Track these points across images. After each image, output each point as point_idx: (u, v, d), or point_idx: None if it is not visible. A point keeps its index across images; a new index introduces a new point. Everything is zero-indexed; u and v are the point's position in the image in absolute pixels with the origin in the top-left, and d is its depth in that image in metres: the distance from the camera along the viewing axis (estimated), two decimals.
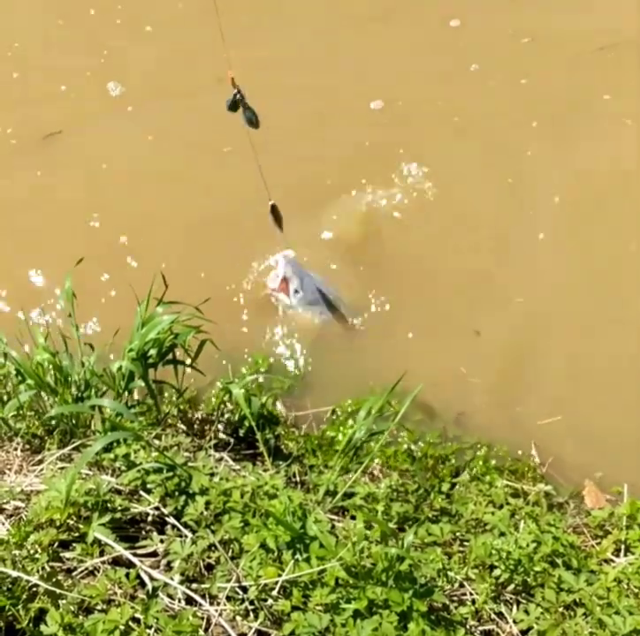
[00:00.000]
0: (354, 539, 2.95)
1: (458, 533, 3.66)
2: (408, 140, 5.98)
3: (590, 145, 5.89)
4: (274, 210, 4.69)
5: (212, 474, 3.49)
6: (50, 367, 3.88)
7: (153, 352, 3.94)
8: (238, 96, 4.22)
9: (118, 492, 3.38)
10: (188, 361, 4.16)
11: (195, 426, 4.41)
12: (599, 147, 5.88)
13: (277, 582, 2.91)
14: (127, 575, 2.84)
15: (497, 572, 3.32)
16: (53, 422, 3.86)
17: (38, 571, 2.77)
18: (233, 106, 4.27)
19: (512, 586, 3.33)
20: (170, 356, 4.05)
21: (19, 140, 6.16)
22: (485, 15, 6.84)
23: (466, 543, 3.58)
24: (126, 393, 4.02)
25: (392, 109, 6.24)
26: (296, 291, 5.12)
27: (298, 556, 3.01)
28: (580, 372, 4.90)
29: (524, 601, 3.30)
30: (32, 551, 2.82)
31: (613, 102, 6.23)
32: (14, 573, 2.70)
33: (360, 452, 3.87)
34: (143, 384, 4.00)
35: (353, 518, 3.64)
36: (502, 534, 3.51)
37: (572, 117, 6.12)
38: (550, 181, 5.77)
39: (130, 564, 3.00)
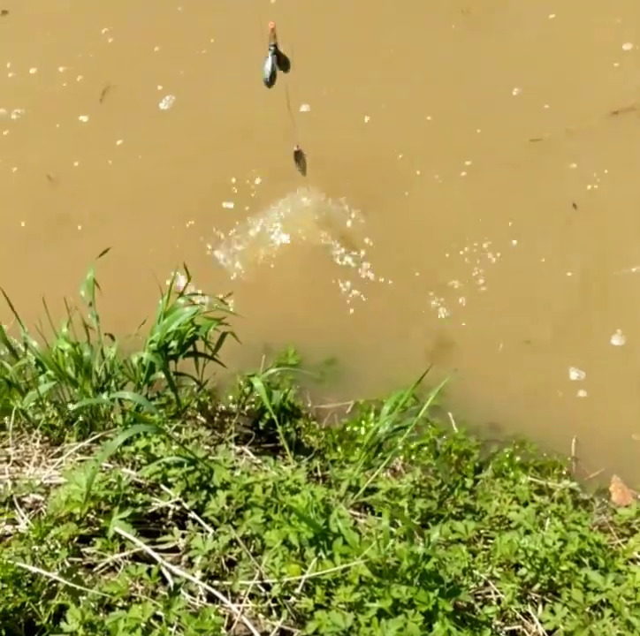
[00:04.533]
0: (380, 537, 2.90)
1: (482, 531, 3.60)
2: None
3: None
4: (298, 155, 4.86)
5: (233, 468, 3.45)
6: (71, 357, 3.84)
7: (174, 343, 3.90)
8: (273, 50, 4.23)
9: (138, 485, 3.34)
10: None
11: (215, 418, 4.37)
12: None
13: (300, 580, 2.86)
14: (149, 571, 2.80)
15: (522, 571, 3.26)
16: (72, 414, 3.82)
17: (58, 567, 2.74)
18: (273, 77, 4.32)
19: (537, 586, 3.26)
20: (191, 348, 4.00)
21: None
22: None
23: (490, 541, 3.52)
24: (146, 385, 3.98)
25: None
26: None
27: (321, 553, 2.96)
28: None
29: (550, 600, 3.23)
30: (52, 546, 2.78)
31: None
32: (34, 569, 2.67)
33: (383, 447, 3.82)
34: (163, 376, 3.96)
35: (374, 513, 3.60)
36: (527, 532, 3.45)
37: None
38: None
39: (151, 560, 2.96)
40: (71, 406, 3.76)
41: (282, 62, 4.32)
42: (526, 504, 3.78)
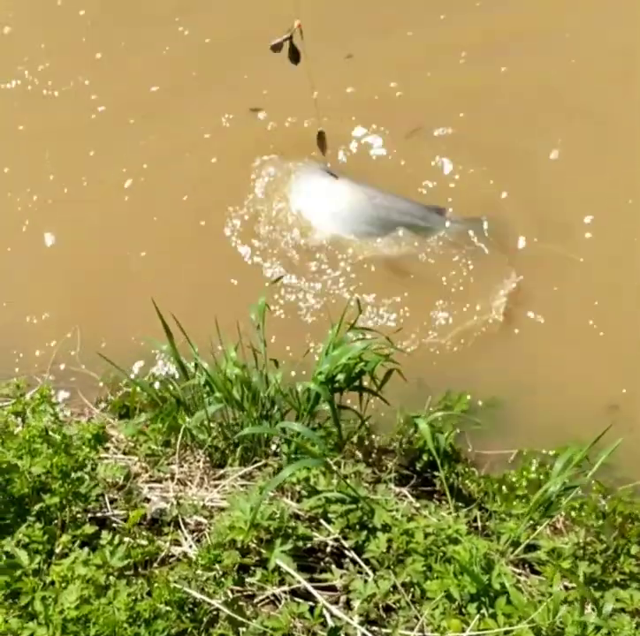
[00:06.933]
0: (549, 601, 2.78)
1: None
2: None
3: None
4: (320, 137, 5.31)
5: (393, 510, 3.38)
6: (238, 381, 3.86)
7: (341, 377, 3.87)
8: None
9: (297, 517, 3.32)
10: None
11: (373, 455, 4.31)
12: None
13: None
14: (311, 610, 2.76)
15: None
16: (237, 438, 3.83)
17: (221, 596, 2.73)
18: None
19: None
20: (356, 382, 3.97)
21: None
22: None
23: None
24: (308, 415, 3.96)
25: None
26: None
27: (483, 610, 2.87)
28: None
29: None
30: (216, 574, 2.77)
31: None
32: (199, 596, 2.67)
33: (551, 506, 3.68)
34: (325, 408, 3.94)
35: (533, 572, 3.47)
36: None
37: None
38: None
39: (307, 595, 2.93)
40: (237, 430, 3.76)
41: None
42: None
